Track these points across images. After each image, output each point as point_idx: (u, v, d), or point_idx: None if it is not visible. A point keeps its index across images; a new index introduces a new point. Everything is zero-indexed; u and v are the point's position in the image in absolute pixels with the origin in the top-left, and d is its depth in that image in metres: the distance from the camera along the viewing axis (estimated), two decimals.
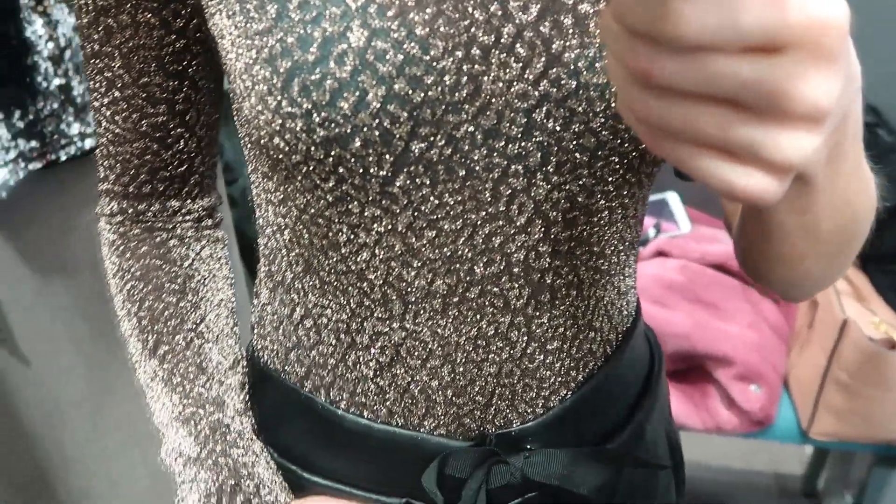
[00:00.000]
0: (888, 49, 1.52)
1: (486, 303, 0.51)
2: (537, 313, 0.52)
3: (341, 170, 0.45)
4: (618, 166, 0.47)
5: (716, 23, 0.24)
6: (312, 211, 0.49)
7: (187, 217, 0.62)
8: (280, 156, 0.46)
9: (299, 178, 0.47)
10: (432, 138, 0.45)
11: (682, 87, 0.26)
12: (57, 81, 1.00)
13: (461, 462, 0.54)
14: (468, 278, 0.50)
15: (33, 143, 1.00)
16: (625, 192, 0.50)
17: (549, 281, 0.51)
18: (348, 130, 0.44)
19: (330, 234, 0.49)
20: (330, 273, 0.51)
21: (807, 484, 1.88)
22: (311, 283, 0.53)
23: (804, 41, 0.25)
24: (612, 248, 0.53)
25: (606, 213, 0.50)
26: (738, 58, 0.25)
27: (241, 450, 0.56)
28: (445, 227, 0.48)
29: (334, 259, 0.51)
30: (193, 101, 0.56)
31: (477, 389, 0.53)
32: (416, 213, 0.47)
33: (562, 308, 0.53)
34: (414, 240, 0.48)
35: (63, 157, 1.03)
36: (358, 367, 0.54)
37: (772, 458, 1.97)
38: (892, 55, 1.49)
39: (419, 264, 0.49)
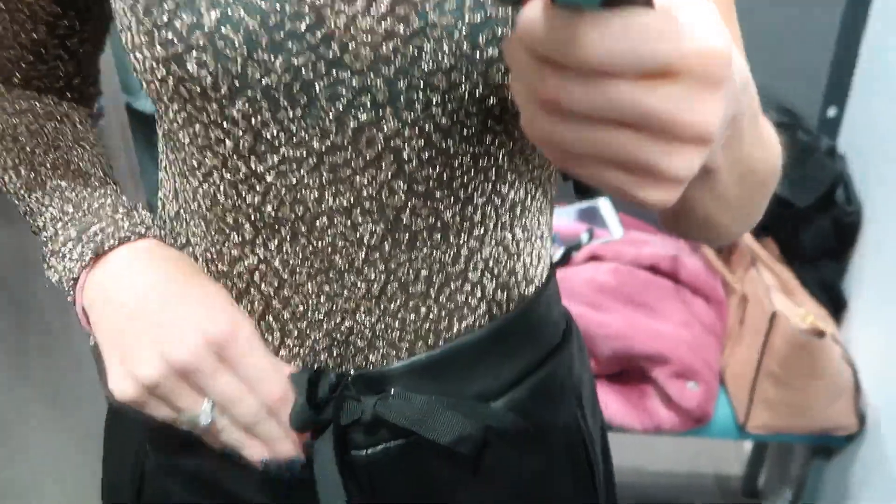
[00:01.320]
0: (801, 53, 1.57)
1: (338, 235, 0.50)
2: (395, 252, 0.51)
3: (182, 90, 0.46)
4: (474, 109, 0.47)
5: (620, 49, 0.27)
6: (171, 133, 0.50)
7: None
8: (138, 75, 0.47)
9: (155, 98, 0.48)
10: (269, 64, 0.45)
11: (587, 112, 0.29)
12: None
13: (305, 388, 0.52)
14: (315, 209, 0.49)
15: None
16: (488, 140, 0.49)
17: (405, 221, 0.50)
18: (182, 51, 0.45)
19: (185, 157, 0.50)
20: (193, 200, 0.52)
21: (747, 483, 1.90)
22: (182, 210, 0.54)
23: (695, 69, 0.28)
24: (484, 198, 0.52)
25: (469, 158, 0.49)
26: (638, 84, 0.28)
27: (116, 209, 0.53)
28: (289, 153, 0.48)
29: (195, 184, 0.51)
30: (77, 29, 0.58)
31: (333, 325, 0.53)
32: (257, 138, 0.47)
33: (424, 251, 0.52)
34: (256, 164, 0.48)
35: None
36: None
37: (712, 459, 1.98)
38: (804, 60, 1.55)
39: (263, 189, 0.49)
